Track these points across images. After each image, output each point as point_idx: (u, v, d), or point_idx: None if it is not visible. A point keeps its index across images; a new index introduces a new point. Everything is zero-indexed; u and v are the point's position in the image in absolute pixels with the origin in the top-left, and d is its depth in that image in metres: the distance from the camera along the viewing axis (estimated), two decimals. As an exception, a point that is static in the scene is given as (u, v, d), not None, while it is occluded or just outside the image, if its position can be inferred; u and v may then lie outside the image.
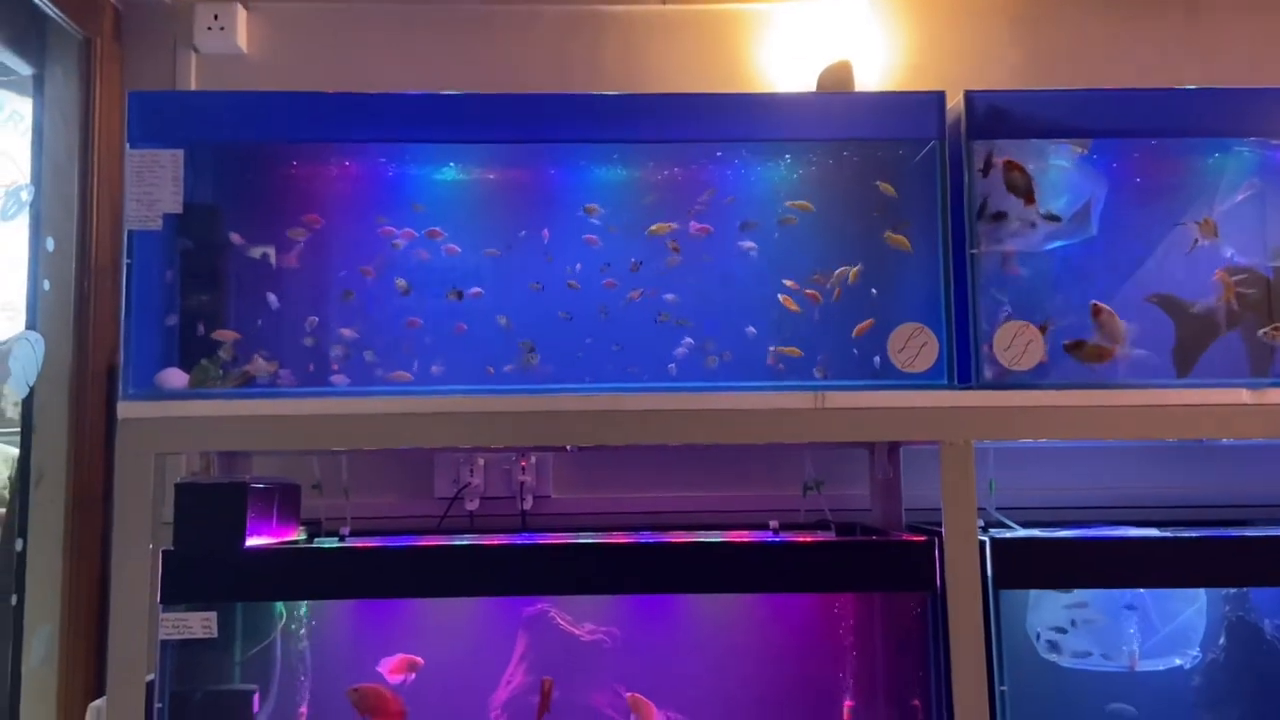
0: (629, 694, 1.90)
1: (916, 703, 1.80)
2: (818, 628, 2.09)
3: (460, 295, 1.96)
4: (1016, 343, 1.77)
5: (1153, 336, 1.87)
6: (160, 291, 1.90)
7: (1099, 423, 1.75)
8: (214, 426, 1.73)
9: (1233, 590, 1.96)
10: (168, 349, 1.90)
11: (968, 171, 1.82)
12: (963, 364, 1.80)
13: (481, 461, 2.26)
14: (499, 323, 1.96)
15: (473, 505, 2.25)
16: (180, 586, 1.69)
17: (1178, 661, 1.92)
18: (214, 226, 1.94)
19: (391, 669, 1.92)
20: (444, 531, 2.18)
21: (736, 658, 2.06)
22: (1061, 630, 1.90)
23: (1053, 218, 1.84)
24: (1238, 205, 1.90)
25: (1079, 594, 1.91)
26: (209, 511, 1.72)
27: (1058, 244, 1.87)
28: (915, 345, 1.79)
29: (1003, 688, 1.72)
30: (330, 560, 1.79)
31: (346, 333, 1.95)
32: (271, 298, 1.95)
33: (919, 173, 1.87)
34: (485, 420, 1.75)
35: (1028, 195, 1.80)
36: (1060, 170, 1.89)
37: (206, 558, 1.72)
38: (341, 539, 1.94)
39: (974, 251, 1.81)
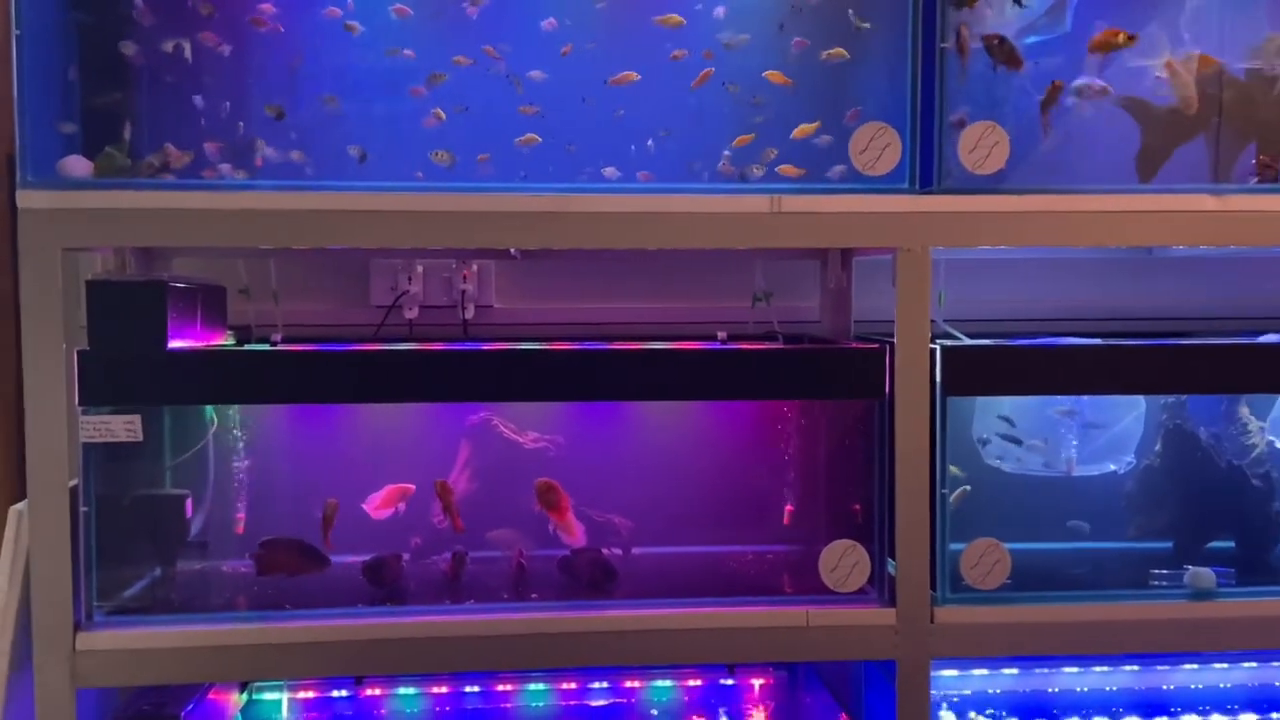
0: (540, 479, 1.86)
1: (857, 507, 1.83)
2: (763, 436, 2.10)
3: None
4: (982, 145, 1.70)
5: (1130, 140, 1.80)
6: (58, 72, 1.72)
7: (1061, 229, 1.71)
8: (125, 220, 1.60)
9: (1171, 398, 2.00)
10: (70, 136, 1.73)
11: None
12: (925, 167, 1.74)
13: (420, 268, 2.16)
14: (439, 117, 1.81)
15: (412, 314, 2.17)
16: (99, 389, 1.60)
17: (1112, 467, 1.97)
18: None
19: (378, 505, 1.86)
20: (381, 340, 2.10)
21: (682, 465, 2.07)
22: (1016, 441, 1.93)
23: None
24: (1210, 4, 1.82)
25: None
26: (124, 311, 1.61)
27: (1032, 39, 1.77)
28: (878, 146, 1.71)
29: (944, 490, 1.74)
30: (261, 363, 1.71)
31: (271, 111, 1.78)
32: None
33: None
34: (424, 220, 1.65)
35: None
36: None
37: (126, 359, 1.62)
38: (273, 345, 1.86)
39: (944, 45, 1.71)
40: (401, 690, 1.99)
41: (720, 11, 1.81)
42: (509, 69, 1.81)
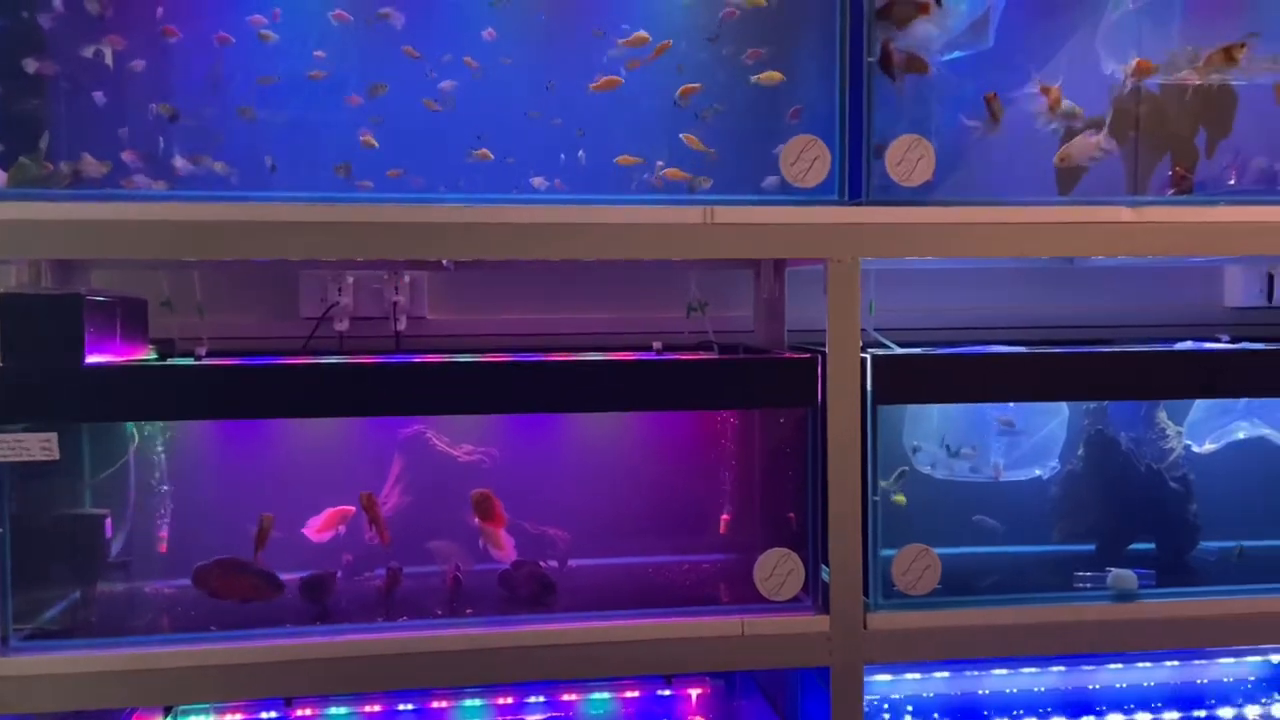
0: (476, 491, 1.84)
1: (792, 515, 1.84)
2: (699, 446, 2.10)
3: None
4: (908, 157, 1.73)
5: (1050, 153, 1.85)
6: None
7: (985, 240, 1.75)
8: (40, 231, 1.55)
9: (1092, 405, 2.05)
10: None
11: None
12: (855, 180, 1.76)
13: (351, 279, 2.13)
14: (370, 143, 1.79)
15: (342, 326, 2.14)
16: (13, 406, 1.55)
17: (1038, 472, 2.01)
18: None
19: (319, 528, 1.82)
20: (311, 353, 2.06)
21: (618, 476, 2.07)
22: (955, 454, 1.96)
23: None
24: (1127, 16, 1.87)
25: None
26: (39, 325, 1.56)
27: (955, 55, 1.81)
28: (808, 159, 1.73)
29: (875, 498, 1.77)
30: (184, 378, 1.67)
31: (165, 111, 1.73)
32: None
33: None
34: (353, 231, 1.63)
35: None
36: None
37: (41, 375, 1.57)
38: (197, 359, 1.81)
39: (870, 59, 1.73)
40: (333, 710, 1.95)
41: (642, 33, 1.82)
42: (437, 76, 1.80)
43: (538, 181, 1.82)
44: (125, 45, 1.73)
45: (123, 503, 1.85)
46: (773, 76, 1.77)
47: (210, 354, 1.84)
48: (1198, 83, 1.85)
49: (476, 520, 1.84)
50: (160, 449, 1.90)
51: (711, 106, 1.83)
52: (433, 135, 1.83)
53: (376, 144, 1.78)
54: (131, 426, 1.84)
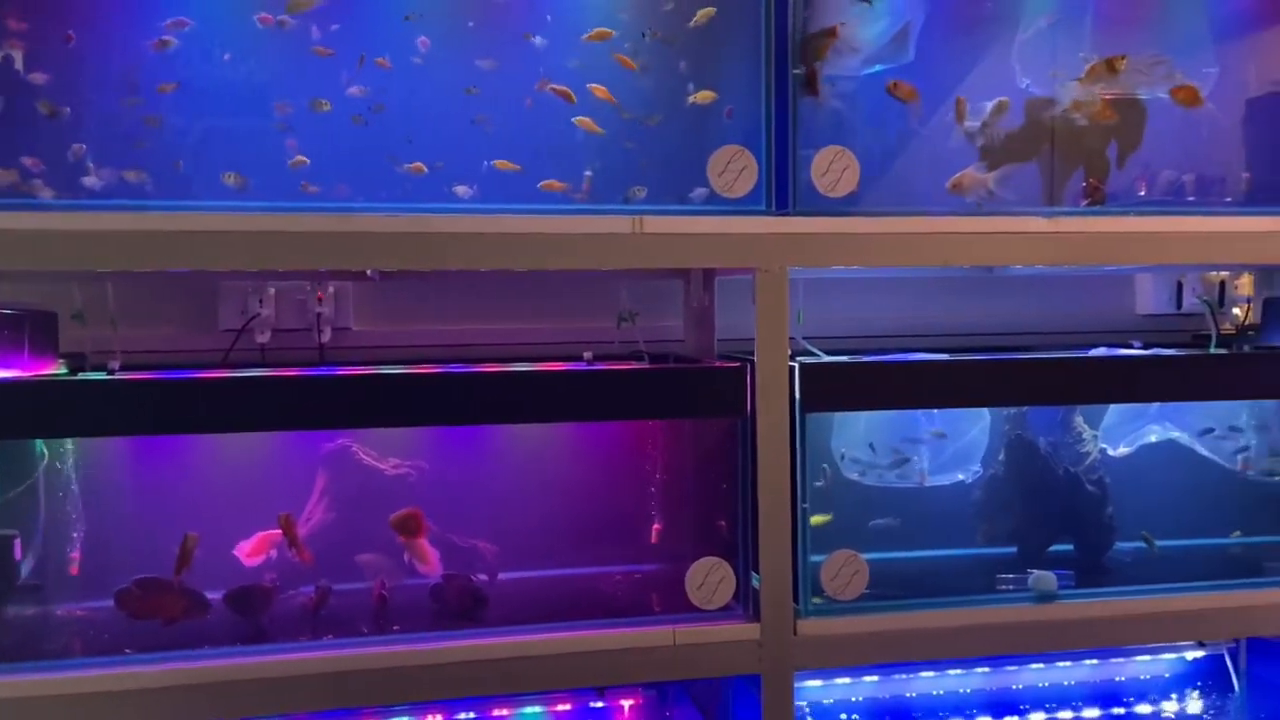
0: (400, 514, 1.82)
1: (722, 524, 1.85)
2: (630, 456, 2.10)
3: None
4: (833, 169, 1.75)
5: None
6: None
7: (908, 249, 1.78)
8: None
9: (1013, 410, 2.10)
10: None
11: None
12: (781, 190, 1.78)
13: (272, 290, 2.08)
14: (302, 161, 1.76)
15: (264, 338, 2.09)
16: (-88, 424, 1.48)
17: (961, 477, 2.05)
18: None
19: (249, 552, 1.77)
20: (231, 366, 2.01)
21: (549, 487, 2.05)
22: (905, 460, 1.99)
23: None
24: (1043, 33, 1.93)
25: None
26: (-59, 338, 1.50)
27: (876, 69, 1.84)
28: (735, 169, 1.75)
29: (805, 505, 1.78)
30: (95, 393, 1.61)
31: (44, 109, 1.67)
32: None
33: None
34: (273, 241, 1.59)
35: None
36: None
37: (-57, 391, 1.50)
38: (110, 373, 1.75)
39: (796, 72, 1.76)
40: (256, 732, 1.90)
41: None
42: (350, 80, 1.78)
43: (461, 190, 1.80)
44: (27, 48, 1.67)
45: (33, 523, 1.78)
46: (707, 96, 1.79)
47: (124, 368, 1.79)
48: (1109, 97, 1.91)
49: (401, 539, 1.81)
50: (72, 466, 1.83)
51: (652, 115, 1.84)
52: (355, 143, 1.80)
53: (308, 161, 1.75)
54: (40, 444, 1.77)
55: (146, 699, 1.55)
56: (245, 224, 1.58)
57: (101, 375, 1.73)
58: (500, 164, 1.81)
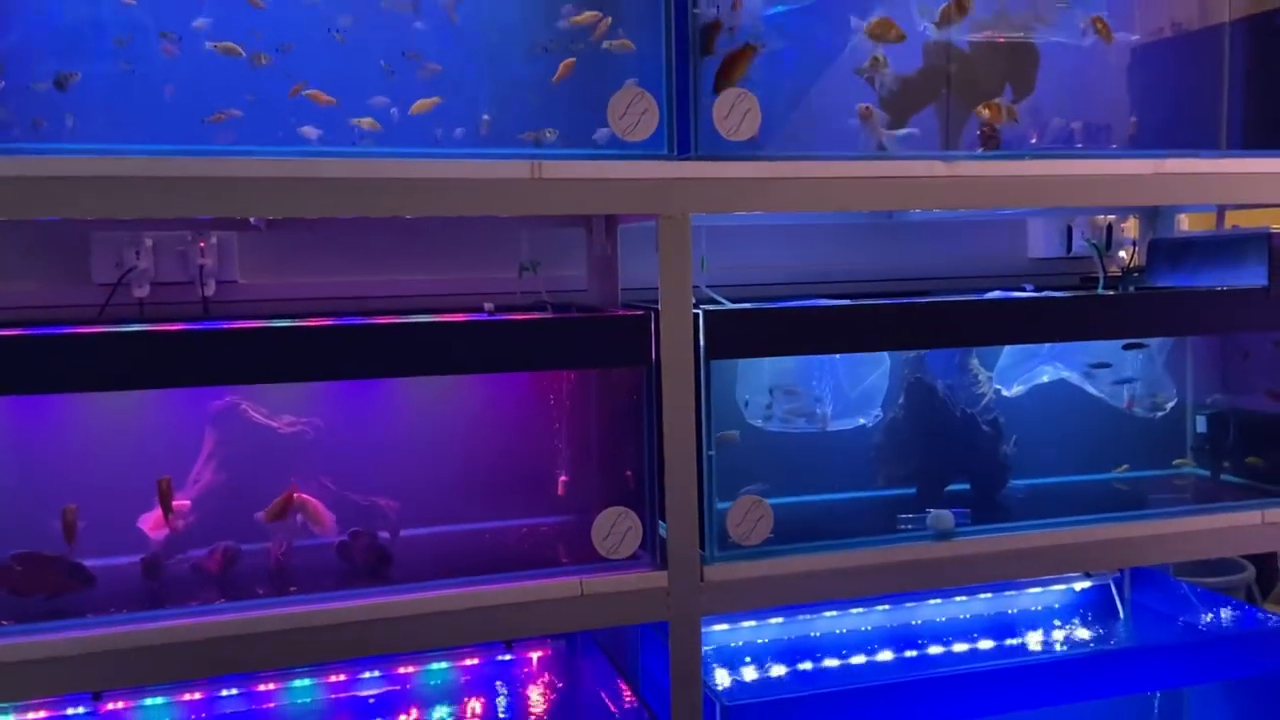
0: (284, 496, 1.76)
1: (629, 473, 1.84)
2: (534, 407, 2.07)
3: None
4: (735, 112, 1.73)
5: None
6: None
7: (808, 195, 1.77)
8: None
9: (912, 354, 2.14)
10: None
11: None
12: (683, 134, 1.75)
13: (150, 241, 1.97)
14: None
15: (142, 292, 1.98)
16: None
17: (862, 421, 2.08)
18: None
19: (153, 525, 1.69)
20: (107, 321, 1.90)
21: (452, 441, 2.01)
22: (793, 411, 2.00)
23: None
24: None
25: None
26: None
27: (778, 9, 1.82)
28: (636, 112, 1.71)
29: (710, 453, 1.78)
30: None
31: None
32: None
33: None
34: (148, 187, 1.49)
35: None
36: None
37: None
38: (-28, 330, 1.64)
39: (695, 10, 1.72)
40: (148, 701, 1.83)
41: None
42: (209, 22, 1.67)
43: (307, 130, 1.70)
44: None
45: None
46: (625, 45, 1.74)
47: (-12, 325, 1.67)
48: (1001, 40, 1.93)
49: (277, 502, 1.74)
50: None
51: (548, 43, 1.77)
52: (241, 83, 1.70)
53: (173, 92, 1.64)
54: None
55: (24, 670, 1.47)
56: (115, 168, 1.48)
57: (-38, 333, 1.61)
58: (421, 104, 1.72)
